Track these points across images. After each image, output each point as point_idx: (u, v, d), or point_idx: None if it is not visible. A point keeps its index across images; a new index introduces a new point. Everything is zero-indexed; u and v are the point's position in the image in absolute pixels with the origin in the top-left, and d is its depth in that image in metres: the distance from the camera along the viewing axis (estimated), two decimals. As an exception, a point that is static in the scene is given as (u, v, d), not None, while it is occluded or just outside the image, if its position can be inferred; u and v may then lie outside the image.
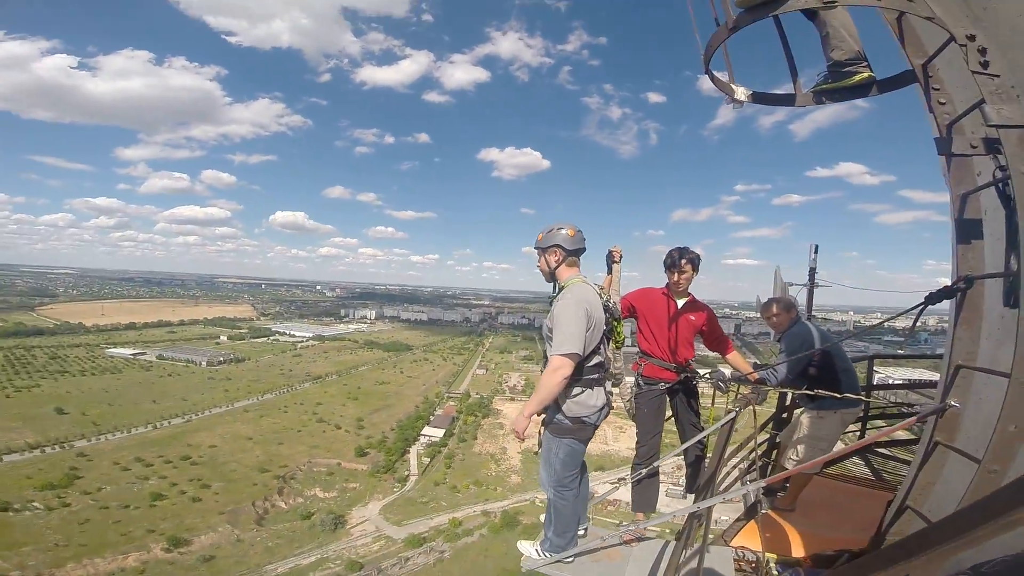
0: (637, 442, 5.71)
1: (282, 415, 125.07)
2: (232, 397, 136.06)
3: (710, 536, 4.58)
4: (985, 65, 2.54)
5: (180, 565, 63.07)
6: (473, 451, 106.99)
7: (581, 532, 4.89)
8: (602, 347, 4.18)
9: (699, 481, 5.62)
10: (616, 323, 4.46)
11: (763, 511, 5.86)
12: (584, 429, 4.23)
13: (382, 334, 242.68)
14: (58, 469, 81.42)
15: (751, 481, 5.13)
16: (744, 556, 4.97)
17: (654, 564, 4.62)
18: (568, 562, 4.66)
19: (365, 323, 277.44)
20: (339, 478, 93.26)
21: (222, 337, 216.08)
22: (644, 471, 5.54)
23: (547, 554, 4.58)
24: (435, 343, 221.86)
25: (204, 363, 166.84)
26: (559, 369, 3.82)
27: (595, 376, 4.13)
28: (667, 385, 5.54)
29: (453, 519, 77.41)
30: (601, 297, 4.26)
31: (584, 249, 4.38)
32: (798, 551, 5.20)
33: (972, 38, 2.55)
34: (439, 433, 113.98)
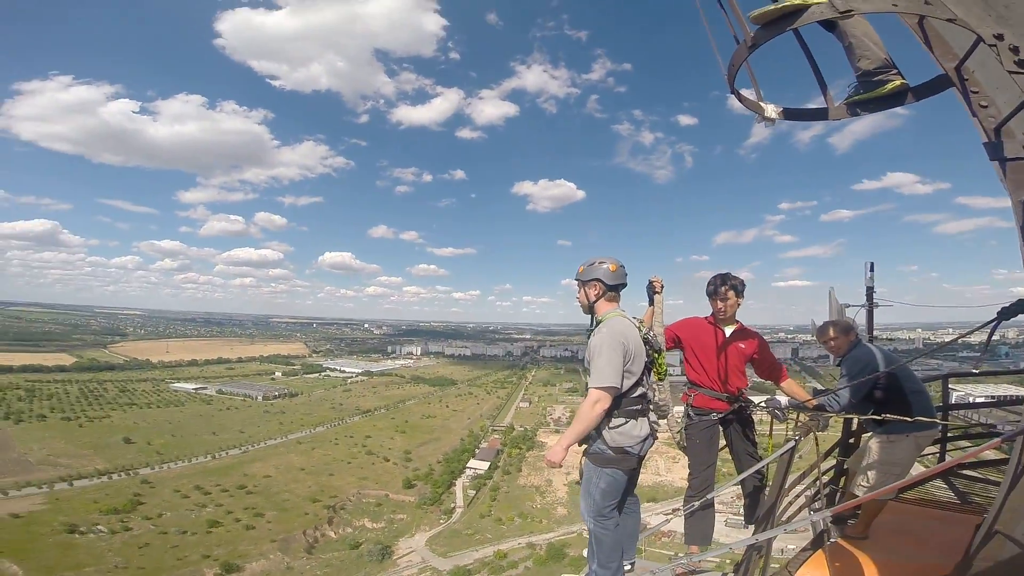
0: (690, 474, 5.55)
1: (333, 447, 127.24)
2: (286, 430, 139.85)
3: (773, 566, 4.53)
4: (1021, 64, 2.42)
5: None
6: (518, 483, 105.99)
7: (628, 567, 4.69)
8: (644, 378, 4.15)
9: (758, 512, 5.44)
10: (658, 355, 4.37)
11: (832, 540, 5.28)
12: (627, 459, 4.13)
13: (427, 369, 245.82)
14: (123, 495, 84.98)
15: (817, 510, 4.96)
16: None
17: None
18: None
19: (411, 359, 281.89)
20: (387, 509, 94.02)
21: (277, 373, 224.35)
22: (697, 504, 5.36)
23: None
24: (479, 377, 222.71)
25: (260, 397, 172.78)
26: (598, 402, 3.83)
27: (638, 407, 4.09)
28: (719, 415, 5.38)
29: (498, 551, 76.57)
30: (640, 330, 4.21)
31: (625, 284, 4.39)
32: None
33: (1000, 37, 2.42)
34: (484, 466, 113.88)
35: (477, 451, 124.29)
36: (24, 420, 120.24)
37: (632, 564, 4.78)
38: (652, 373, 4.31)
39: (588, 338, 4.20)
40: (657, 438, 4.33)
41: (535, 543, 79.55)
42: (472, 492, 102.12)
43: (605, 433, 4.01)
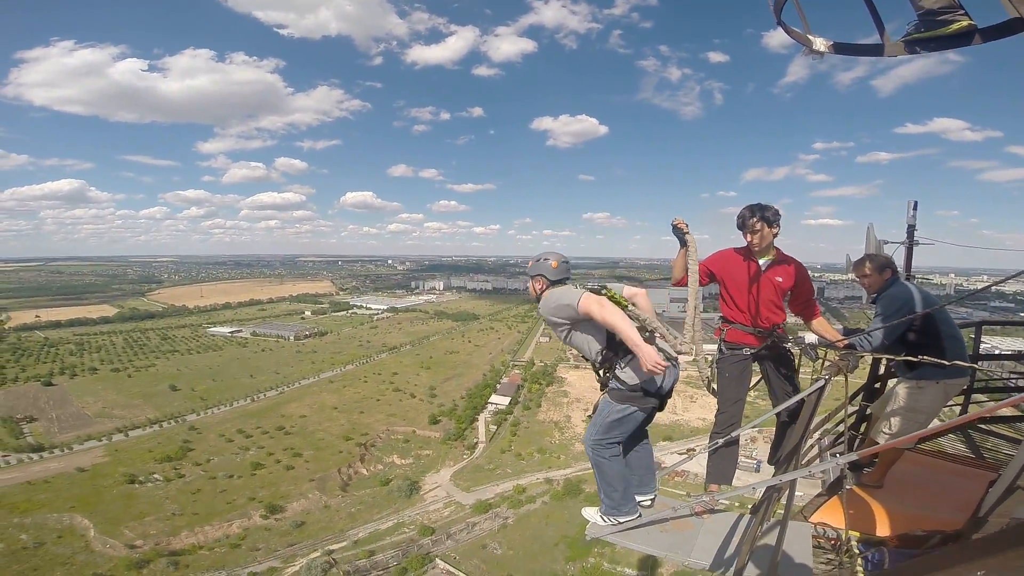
0: (717, 410, 5.40)
1: (363, 385, 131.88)
2: (318, 368, 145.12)
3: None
4: None
5: (276, 531, 68.74)
6: (537, 419, 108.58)
7: (647, 502, 4.86)
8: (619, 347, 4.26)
9: (781, 453, 5.27)
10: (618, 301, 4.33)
11: (847, 487, 5.14)
12: (645, 399, 4.24)
13: (450, 304, 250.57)
14: (173, 442, 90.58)
15: (838, 455, 4.77)
16: (824, 533, 4.69)
17: (726, 537, 4.43)
18: (632, 528, 4.57)
19: (434, 294, 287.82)
20: (414, 445, 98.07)
21: (306, 312, 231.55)
22: (722, 440, 5.19)
23: (608, 518, 4.60)
24: (500, 311, 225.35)
25: (292, 337, 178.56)
26: (595, 303, 4.06)
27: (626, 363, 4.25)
28: (752, 351, 5.19)
29: (517, 486, 79.31)
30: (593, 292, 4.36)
31: (567, 278, 4.62)
32: (884, 530, 4.88)
33: None
34: (505, 401, 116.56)
35: (498, 386, 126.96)
36: (78, 374, 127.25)
37: (652, 498, 4.93)
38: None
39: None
40: (678, 365, 4.44)
41: (552, 478, 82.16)
42: (494, 428, 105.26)
43: (619, 373, 4.21)
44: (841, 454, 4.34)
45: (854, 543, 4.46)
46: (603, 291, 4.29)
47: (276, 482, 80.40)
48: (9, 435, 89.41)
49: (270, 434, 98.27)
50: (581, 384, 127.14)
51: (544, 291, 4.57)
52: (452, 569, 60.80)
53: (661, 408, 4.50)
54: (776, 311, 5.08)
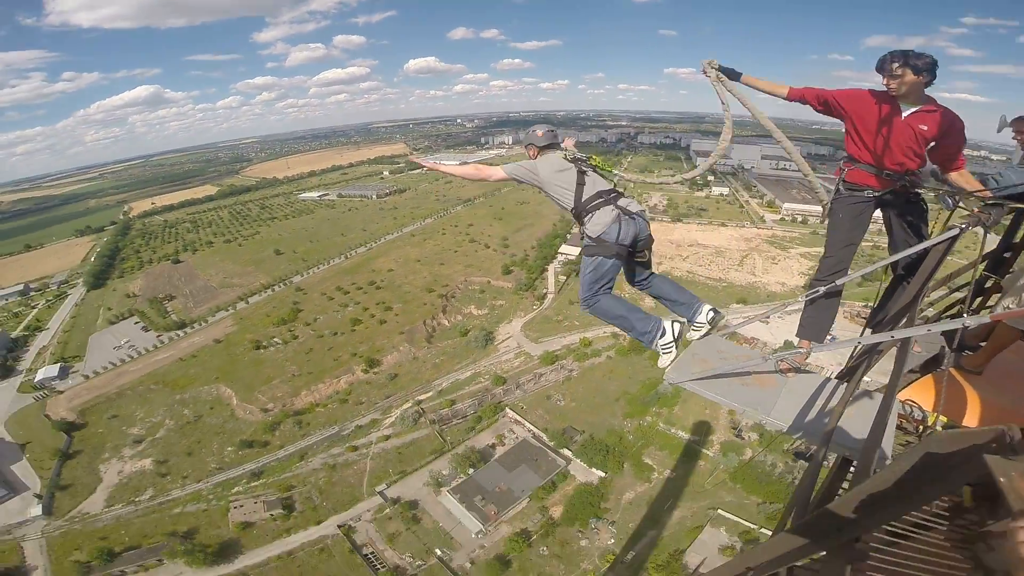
0: (824, 253, 5.12)
1: (441, 237, 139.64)
2: (400, 223, 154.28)
3: (869, 382, 4.18)
4: None
5: (375, 384, 79.41)
6: None
7: (703, 318, 5.10)
8: (584, 187, 4.90)
9: (887, 312, 5.07)
10: (592, 163, 5.12)
11: (943, 367, 4.82)
12: (605, 246, 4.72)
13: (520, 157, 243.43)
14: (285, 305, 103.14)
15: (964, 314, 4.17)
16: (910, 412, 4.35)
17: (809, 401, 4.19)
18: (713, 377, 4.48)
19: (503, 148, 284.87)
20: (489, 296, 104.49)
21: (384, 173, 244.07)
22: (823, 289, 4.82)
23: (657, 347, 4.85)
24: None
25: (374, 196, 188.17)
26: (490, 172, 5.64)
27: (597, 201, 4.82)
28: (874, 193, 4.82)
29: (583, 339, 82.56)
30: (566, 158, 5.13)
31: (555, 142, 5.47)
32: (973, 419, 4.54)
33: None
34: (575, 251, 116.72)
35: (568, 236, 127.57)
36: (198, 249, 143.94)
37: (707, 311, 5.12)
38: (601, 177, 5.11)
39: None
40: (638, 219, 4.87)
41: (619, 333, 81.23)
42: (563, 279, 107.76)
43: (583, 229, 4.88)
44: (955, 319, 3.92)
45: (940, 428, 4.07)
46: (589, 160, 5.17)
47: (372, 336, 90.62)
48: (158, 315, 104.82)
49: (364, 289, 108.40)
50: (656, 237, 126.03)
51: (536, 157, 5.46)
52: (519, 418, 68.74)
53: (633, 257, 5.06)
54: (911, 157, 4.61)
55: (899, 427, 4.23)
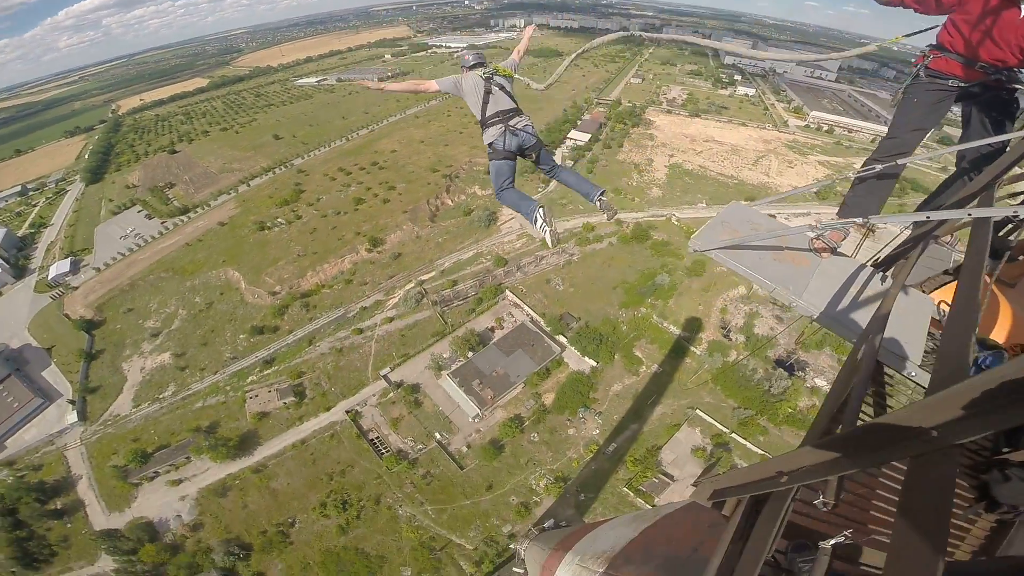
0: (887, 134, 4.90)
1: (446, 119, 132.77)
2: (403, 106, 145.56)
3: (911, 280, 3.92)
4: None
5: (378, 263, 78.02)
6: (617, 158, 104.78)
7: (598, 197, 6.19)
8: (488, 105, 6.42)
9: (941, 203, 4.86)
10: (502, 75, 6.74)
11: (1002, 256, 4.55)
12: (496, 151, 6.24)
13: (532, 41, 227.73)
14: (287, 186, 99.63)
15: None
16: (941, 315, 4.13)
17: (843, 287, 3.95)
18: (744, 247, 4.33)
19: (514, 31, 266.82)
20: None
21: (386, 56, 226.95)
22: (880, 167, 4.58)
23: (539, 229, 6.06)
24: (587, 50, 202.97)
25: (375, 79, 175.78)
26: (427, 85, 7.08)
27: (493, 120, 6.35)
28: (960, 83, 4.50)
29: (587, 224, 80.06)
30: (481, 76, 6.61)
31: (480, 63, 6.96)
32: (1002, 334, 4.35)
33: None
34: (584, 137, 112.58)
35: (579, 123, 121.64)
36: (194, 139, 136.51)
37: (601, 192, 6.23)
38: (504, 96, 6.60)
39: None
40: (521, 133, 6.33)
41: (623, 220, 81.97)
42: (570, 163, 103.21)
43: (483, 137, 6.43)
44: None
45: None
46: (490, 66, 6.80)
47: (376, 215, 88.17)
48: (159, 202, 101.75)
49: (367, 170, 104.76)
50: (670, 130, 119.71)
51: (464, 74, 6.81)
52: (518, 301, 67.64)
53: (523, 157, 6.43)
54: (1011, 52, 4.18)
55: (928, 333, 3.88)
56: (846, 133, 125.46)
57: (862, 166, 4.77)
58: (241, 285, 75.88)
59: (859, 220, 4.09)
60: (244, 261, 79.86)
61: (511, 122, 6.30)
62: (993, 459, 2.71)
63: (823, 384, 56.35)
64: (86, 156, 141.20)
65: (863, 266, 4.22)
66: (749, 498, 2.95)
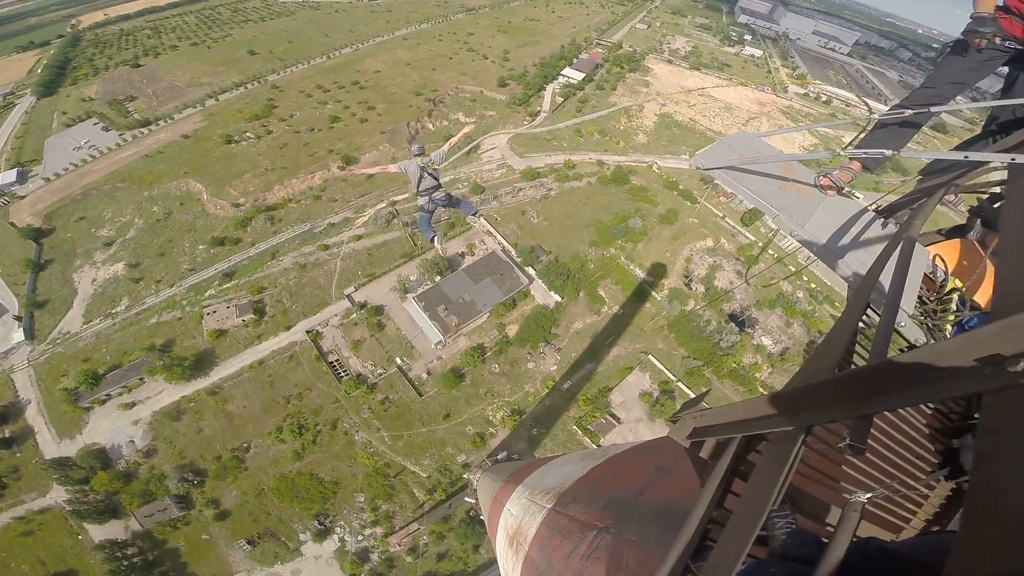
0: (923, 83, 4.71)
1: (437, 43, 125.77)
2: (393, 27, 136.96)
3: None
4: None
5: (350, 181, 74.27)
6: (608, 100, 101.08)
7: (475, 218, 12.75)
8: (421, 183, 10.96)
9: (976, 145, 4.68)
10: (431, 168, 10.98)
11: (974, 236, 4.53)
12: (421, 208, 11.50)
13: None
14: (259, 101, 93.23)
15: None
16: (934, 270, 4.06)
17: (846, 226, 3.97)
18: (748, 170, 4.26)
19: None
20: (479, 105, 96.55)
21: None
22: (909, 112, 4.39)
23: (433, 244, 12.46)
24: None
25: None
26: (389, 167, 11.00)
27: (421, 193, 11.07)
28: (1016, 45, 4.27)
29: (568, 161, 78.05)
30: (419, 164, 10.89)
31: (420, 153, 11.01)
32: (983, 297, 4.16)
33: None
34: (579, 76, 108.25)
35: (575, 60, 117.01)
36: (160, 53, 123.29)
37: (474, 213, 12.32)
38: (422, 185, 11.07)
39: None
40: (437, 203, 11.40)
41: (605, 162, 79.83)
42: (560, 100, 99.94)
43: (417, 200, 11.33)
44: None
45: (955, 295, 3.89)
46: (426, 158, 11.08)
47: (352, 134, 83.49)
48: (118, 115, 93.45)
49: (346, 88, 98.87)
50: (667, 80, 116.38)
51: (411, 159, 11.09)
52: (491, 229, 65.58)
53: (444, 207, 11.61)
54: None
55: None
56: (843, 107, 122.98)
57: (889, 110, 4.52)
58: (203, 196, 71.46)
59: (888, 152, 3.91)
60: (208, 173, 74.92)
61: (433, 195, 11.15)
62: (966, 423, 2.55)
63: (768, 343, 57.78)
64: (39, 71, 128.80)
65: (866, 210, 4.21)
66: (741, 439, 2.61)
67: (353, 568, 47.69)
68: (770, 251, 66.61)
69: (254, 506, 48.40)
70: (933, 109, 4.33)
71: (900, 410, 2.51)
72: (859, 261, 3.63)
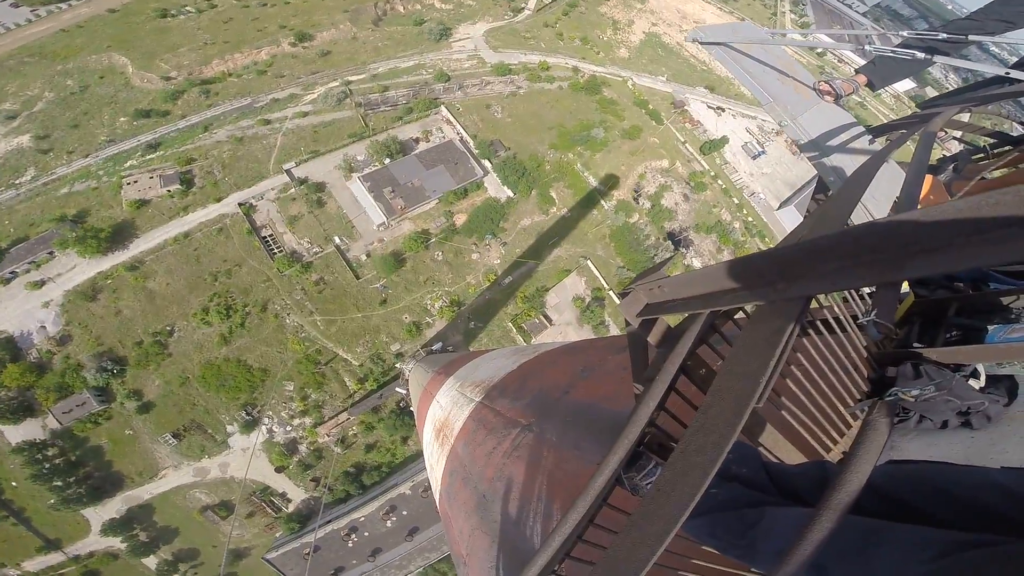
0: (967, 16, 4.63)
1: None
2: None
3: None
4: None
5: (302, 59, 67.67)
6: (598, 9, 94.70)
7: None
8: None
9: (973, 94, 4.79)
10: None
11: (943, 178, 4.66)
12: None
13: None
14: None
15: None
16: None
17: (833, 131, 3.99)
18: (742, 41, 4.32)
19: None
20: None
21: None
22: (945, 35, 4.21)
23: None
24: None
25: None
26: None
27: None
28: None
29: (543, 62, 73.88)
30: None
31: None
32: None
33: None
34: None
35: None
36: None
37: None
38: None
39: None
40: None
41: (581, 69, 76.01)
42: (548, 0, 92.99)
43: None
44: None
45: None
46: None
47: (310, 11, 75.68)
48: None
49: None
50: (666, 1, 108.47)
51: None
52: (452, 119, 61.76)
53: None
54: None
55: None
56: (835, 62, 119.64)
57: (919, 31, 4.28)
58: (128, 69, 63.61)
59: (919, 55, 3.91)
60: (135, 47, 66.44)
61: None
62: (906, 351, 2.40)
63: (698, 265, 60.32)
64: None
65: (856, 124, 4.24)
66: (709, 315, 2.25)
67: (281, 460, 47.48)
68: (719, 182, 69.41)
69: (179, 396, 46.21)
70: (972, 37, 4.24)
71: (838, 330, 2.27)
72: (845, 166, 3.63)
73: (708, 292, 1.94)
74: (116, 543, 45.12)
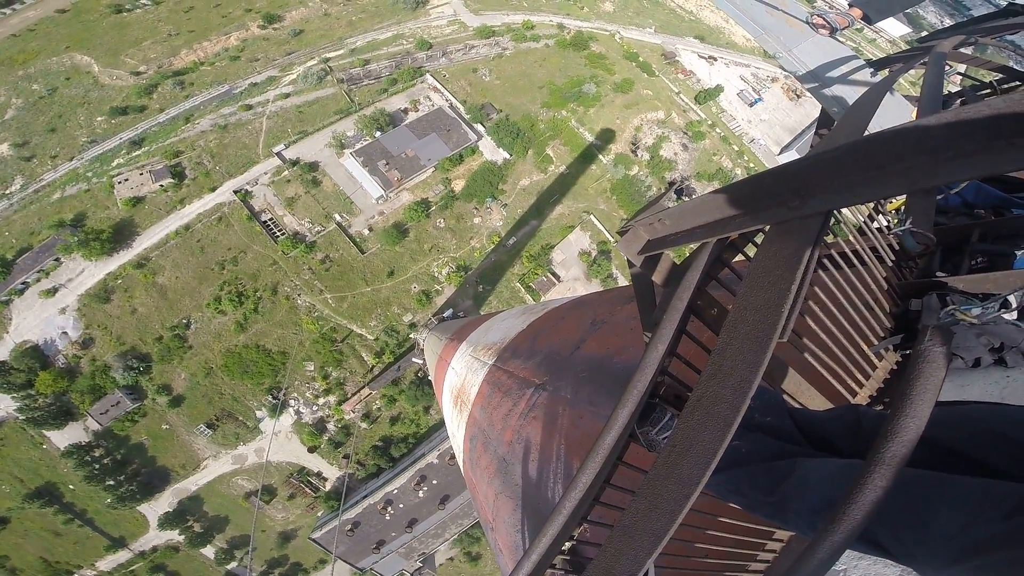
0: None
1: None
2: None
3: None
4: None
5: (274, 40, 66.19)
6: None
7: None
8: None
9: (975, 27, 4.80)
10: None
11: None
12: None
13: None
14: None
15: None
16: None
17: (831, 64, 3.92)
18: None
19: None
20: None
21: None
22: None
23: None
24: None
25: None
26: None
27: None
28: None
29: (527, 21, 72.39)
30: None
31: None
32: None
33: None
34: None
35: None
36: None
37: None
38: None
39: None
40: None
41: (567, 26, 74.59)
42: None
43: None
44: None
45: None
46: None
47: (274, -11, 73.28)
48: None
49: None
50: None
51: None
52: (439, 86, 61.18)
53: None
54: None
55: None
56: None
57: None
58: (94, 68, 62.08)
59: (849, 15, 4.16)
60: (96, 45, 64.48)
61: None
62: (931, 280, 2.19)
63: None
64: None
65: (856, 57, 4.17)
66: (716, 245, 1.99)
67: (312, 439, 48.83)
68: (718, 130, 69.24)
69: (206, 387, 47.14)
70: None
71: (855, 262, 2.08)
72: (847, 96, 3.56)
73: (714, 220, 1.79)
74: (175, 536, 47.18)
